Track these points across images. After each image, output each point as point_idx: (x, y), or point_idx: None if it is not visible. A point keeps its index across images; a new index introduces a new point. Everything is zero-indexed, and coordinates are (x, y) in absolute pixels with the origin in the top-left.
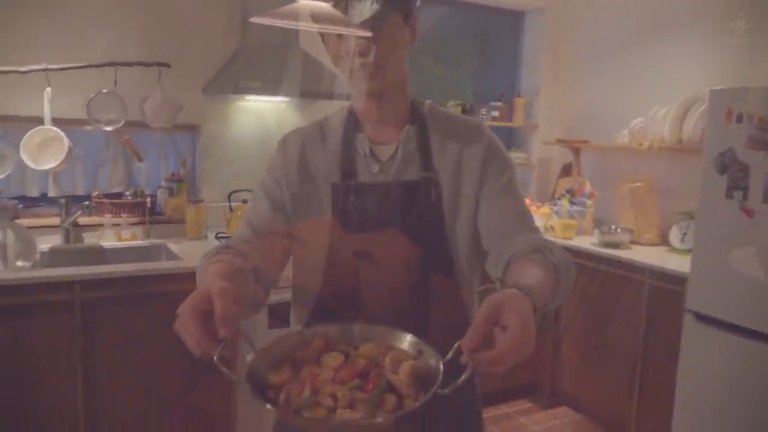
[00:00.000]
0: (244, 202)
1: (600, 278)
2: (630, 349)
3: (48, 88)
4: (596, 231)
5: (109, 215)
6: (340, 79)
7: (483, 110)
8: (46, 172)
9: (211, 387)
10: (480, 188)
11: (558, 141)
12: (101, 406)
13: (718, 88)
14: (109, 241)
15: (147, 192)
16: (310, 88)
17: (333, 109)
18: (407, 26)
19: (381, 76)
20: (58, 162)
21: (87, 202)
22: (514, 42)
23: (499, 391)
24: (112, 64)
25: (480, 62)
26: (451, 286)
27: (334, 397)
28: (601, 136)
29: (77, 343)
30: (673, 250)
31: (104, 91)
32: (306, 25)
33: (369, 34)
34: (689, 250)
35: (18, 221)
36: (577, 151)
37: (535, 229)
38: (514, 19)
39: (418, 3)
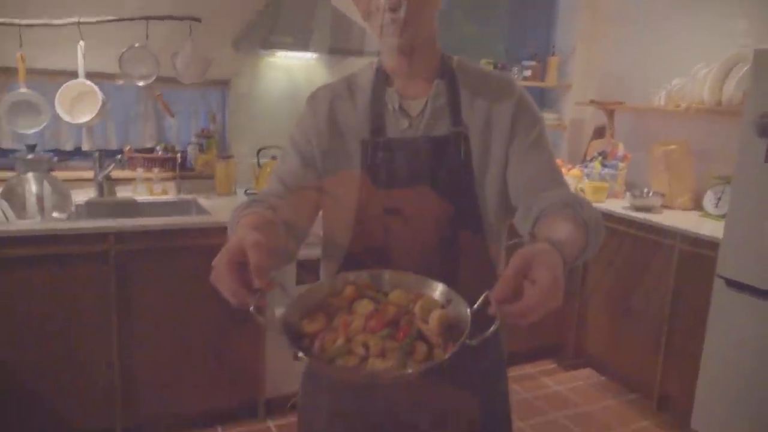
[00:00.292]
0: (273, 158)
1: (630, 242)
2: (657, 314)
3: (81, 42)
4: (628, 194)
5: (141, 170)
6: (369, 35)
7: (515, 69)
8: (80, 126)
9: (241, 337)
10: (509, 143)
11: (592, 102)
12: (135, 354)
13: (764, 47)
14: (141, 195)
15: (177, 148)
16: (339, 45)
17: (362, 66)
18: None
19: (411, 31)
20: (93, 116)
21: (119, 156)
22: None
23: (523, 352)
24: (144, 17)
25: (513, 19)
26: (479, 242)
27: (366, 346)
28: (636, 97)
29: (112, 292)
30: (707, 215)
31: (136, 45)
32: None
33: None
34: (723, 216)
35: (53, 174)
36: (611, 113)
37: (565, 184)
38: None
39: None
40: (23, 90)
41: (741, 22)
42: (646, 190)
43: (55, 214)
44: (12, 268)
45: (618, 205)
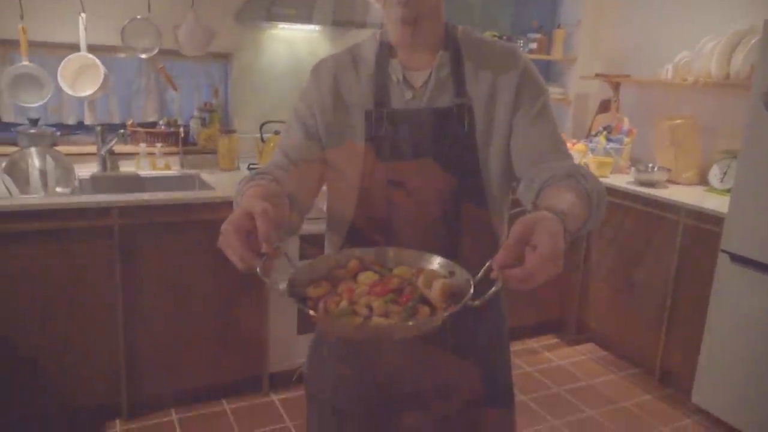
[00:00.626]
0: (276, 133)
1: (634, 217)
2: (660, 289)
3: (82, 14)
4: (632, 169)
5: (144, 144)
6: (372, 7)
7: (521, 42)
8: (82, 100)
9: (245, 312)
10: (514, 114)
11: (597, 76)
12: (140, 329)
13: None
14: (144, 169)
15: (180, 122)
16: (342, 17)
17: (365, 37)
18: None
19: (415, 2)
20: (95, 89)
21: (122, 131)
22: None
23: (526, 326)
24: None
25: None
26: (482, 213)
27: (370, 308)
28: (642, 70)
29: (116, 267)
30: (712, 190)
31: (138, 17)
32: None
33: None
34: (728, 190)
35: (56, 148)
36: (616, 86)
37: (568, 155)
38: None
39: None
40: (25, 63)
41: None
42: (651, 165)
43: (58, 189)
44: (15, 243)
45: (622, 180)
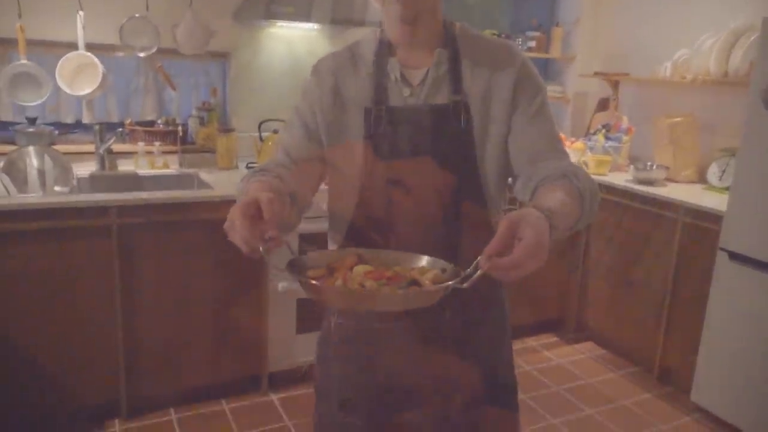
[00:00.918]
0: (275, 132)
1: (632, 215)
2: (659, 287)
3: (81, 12)
4: (631, 167)
5: (142, 143)
6: (371, 6)
7: (519, 40)
8: (81, 99)
9: (244, 311)
10: (512, 112)
11: (596, 74)
12: (139, 328)
13: None
14: (142, 168)
15: (178, 121)
16: (341, 15)
17: (364, 35)
18: None
19: (416, 3)
20: (94, 88)
21: (120, 130)
22: None
23: (525, 325)
24: None
25: None
26: (480, 210)
27: (363, 286)
28: (641, 69)
29: (114, 266)
30: (710, 188)
31: (137, 15)
32: None
33: None
34: (727, 188)
35: (54, 147)
36: (615, 85)
37: (565, 154)
38: None
39: None
40: (23, 61)
41: None
42: (649, 163)
43: (56, 188)
44: (14, 242)
45: (621, 179)
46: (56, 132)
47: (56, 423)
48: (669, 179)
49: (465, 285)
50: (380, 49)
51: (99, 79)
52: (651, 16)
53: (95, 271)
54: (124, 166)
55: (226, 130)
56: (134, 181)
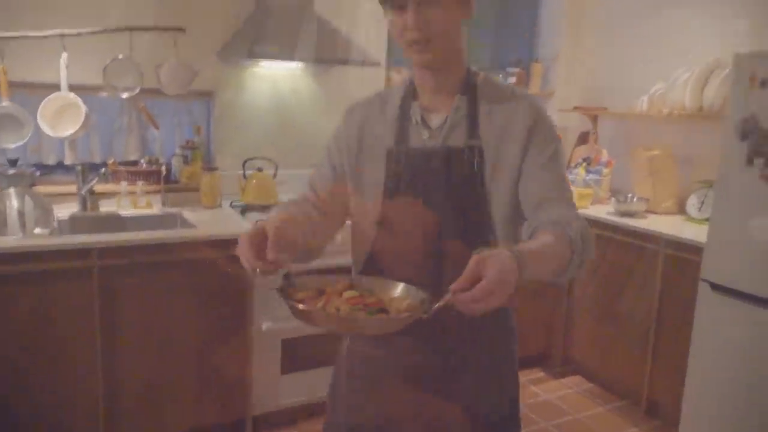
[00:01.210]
0: (259, 170)
1: (615, 247)
2: (643, 319)
3: (64, 54)
4: (612, 200)
5: (125, 183)
6: (354, 45)
7: (500, 76)
8: (63, 139)
9: (228, 353)
10: (523, 158)
11: (575, 108)
12: (120, 371)
13: (743, 51)
14: (125, 209)
15: (162, 160)
16: (325, 54)
17: (348, 76)
18: (463, 8)
19: (432, 50)
20: (76, 129)
21: (103, 170)
22: (532, 7)
23: None
24: (128, 28)
25: (497, 27)
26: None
27: (338, 309)
28: (619, 103)
29: (95, 309)
30: (690, 219)
31: (120, 57)
32: None
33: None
34: (706, 220)
35: (35, 189)
36: (594, 119)
37: (571, 205)
38: None
39: None
40: (5, 104)
41: (720, 28)
42: (630, 195)
43: (37, 230)
44: None
45: (603, 211)
46: (38, 173)
47: None
48: (649, 211)
49: (425, 316)
50: (406, 94)
51: (81, 119)
52: (626, 52)
53: (75, 314)
54: (107, 207)
55: (210, 168)
56: (116, 222)
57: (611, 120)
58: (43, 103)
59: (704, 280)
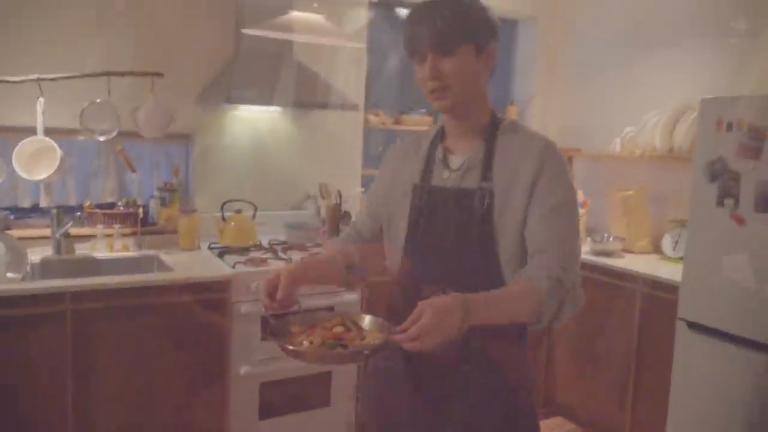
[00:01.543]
0: (238, 211)
1: (592, 287)
2: (623, 358)
3: (41, 98)
4: (588, 239)
5: (101, 226)
6: (333, 89)
7: None
8: (37, 183)
9: (205, 399)
10: (527, 206)
11: None
12: (92, 419)
13: (709, 97)
14: (100, 252)
15: (139, 202)
16: (303, 98)
17: (327, 119)
18: (480, 57)
19: (448, 98)
20: (51, 172)
21: (79, 213)
22: (506, 50)
23: None
24: (106, 73)
25: None
26: (492, 283)
27: (310, 342)
28: (593, 144)
29: (68, 355)
30: (666, 258)
31: (97, 101)
32: (297, 36)
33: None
34: (681, 258)
35: (9, 232)
36: (569, 160)
37: (565, 258)
38: (507, 28)
39: (495, 33)
40: None
41: (688, 73)
42: (606, 234)
43: (9, 275)
44: None
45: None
46: (11, 216)
47: None
48: (626, 250)
49: (366, 352)
50: (436, 135)
51: (57, 163)
52: (599, 96)
53: (47, 360)
54: (83, 250)
55: (188, 210)
56: (91, 266)
57: (585, 161)
58: (17, 147)
59: (681, 319)
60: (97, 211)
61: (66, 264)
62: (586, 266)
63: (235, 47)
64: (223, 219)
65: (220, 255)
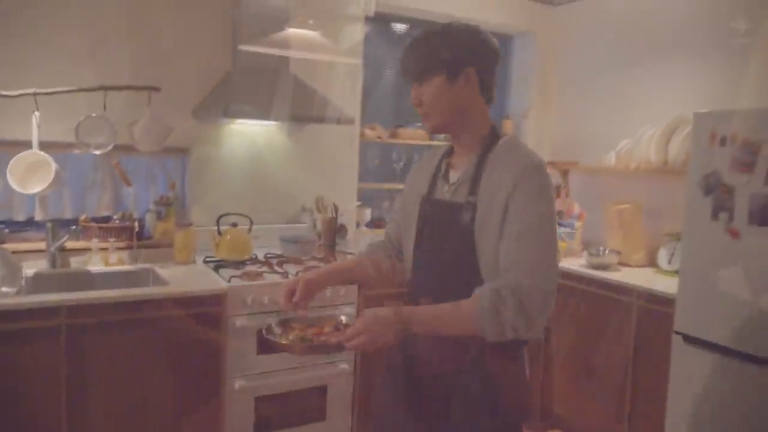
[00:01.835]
0: (234, 225)
1: (589, 300)
2: (620, 371)
3: (36, 112)
4: (585, 253)
5: (97, 239)
6: (330, 104)
7: None
8: (33, 196)
9: (201, 414)
10: (502, 219)
11: (546, 163)
12: None
13: (702, 110)
14: (96, 265)
15: (135, 216)
16: (300, 113)
17: (324, 133)
18: (455, 83)
19: (430, 121)
20: (45, 186)
21: (74, 227)
22: (502, 65)
23: None
24: (102, 88)
25: None
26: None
27: (295, 336)
28: (589, 157)
29: (62, 369)
30: (661, 271)
31: (93, 114)
32: (294, 53)
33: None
34: (677, 272)
35: (4, 246)
36: (565, 173)
37: (531, 274)
38: (503, 42)
39: (470, 59)
40: None
41: (683, 87)
42: (602, 248)
43: (3, 289)
44: None
45: (576, 264)
46: (6, 230)
47: None
48: (622, 263)
49: (315, 343)
50: (446, 151)
51: (51, 177)
52: (594, 110)
53: (41, 375)
54: (78, 264)
55: (184, 224)
56: (86, 279)
57: (581, 174)
58: (12, 161)
59: (677, 332)
60: (93, 224)
61: (61, 278)
62: (583, 279)
63: (232, 62)
64: (219, 233)
65: (216, 269)
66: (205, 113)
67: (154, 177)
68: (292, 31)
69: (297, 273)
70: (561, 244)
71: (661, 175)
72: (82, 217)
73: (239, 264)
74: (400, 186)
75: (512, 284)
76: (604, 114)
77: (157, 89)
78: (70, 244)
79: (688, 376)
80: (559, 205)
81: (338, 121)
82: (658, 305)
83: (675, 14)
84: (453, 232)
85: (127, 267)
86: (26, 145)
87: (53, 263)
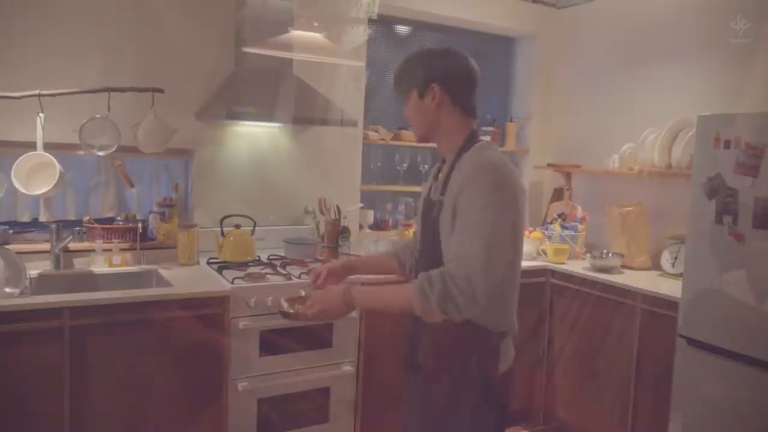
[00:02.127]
0: (237, 227)
1: (592, 303)
2: (623, 374)
3: (41, 114)
4: (588, 255)
5: (101, 241)
6: (333, 106)
7: None
8: (37, 197)
9: (204, 416)
10: (453, 216)
11: (549, 165)
12: None
13: (706, 113)
14: (99, 266)
15: (139, 217)
16: (303, 114)
17: (327, 135)
18: (425, 98)
19: (415, 132)
20: (50, 187)
21: (78, 228)
22: (505, 68)
23: None
24: (106, 89)
25: None
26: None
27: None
28: (592, 160)
29: (65, 370)
30: (665, 274)
31: (97, 116)
32: (297, 55)
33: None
34: (680, 275)
35: (8, 247)
36: (568, 176)
37: (464, 266)
38: (506, 45)
39: (435, 77)
40: None
41: (686, 90)
42: (605, 251)
43: (7, 290)
44: None
45: (579, 266)
46: (10, 231)
47: None
48: (625, 266)
49: (286, 311)
50: (442, 157)
51: (56, 178)
52: (597, 113)
53: (44, 376)
54: (81, 265)
55: (188, 225)
56: (90, 281)
57: (584, 177)
58: (16, 162)
59: (681, 336)
60: (97, 225)
61: (65, 279)
62: (586, 282)
63: (235, 64)
64: (222, 234)
65: (219, 270)
66: (209, 115)
67: (158, 178)
68: (295, 33)
69: (300, 275)
70: (563, 247)
71: (664, 178)
72: (86, 219)
73: (242, 265)
74: (403, 188)
75: (444, 271)
76: (607, 117)
77: (160, 91)
78: (74, 246)
79: (693, 379)
80: (561, 207)
81: (341, 123)
82: (662, 308)
83: (678, 17)
84: (427, 228)
85: (130, 268)
86: (31, 146)
87: (57, 264)
